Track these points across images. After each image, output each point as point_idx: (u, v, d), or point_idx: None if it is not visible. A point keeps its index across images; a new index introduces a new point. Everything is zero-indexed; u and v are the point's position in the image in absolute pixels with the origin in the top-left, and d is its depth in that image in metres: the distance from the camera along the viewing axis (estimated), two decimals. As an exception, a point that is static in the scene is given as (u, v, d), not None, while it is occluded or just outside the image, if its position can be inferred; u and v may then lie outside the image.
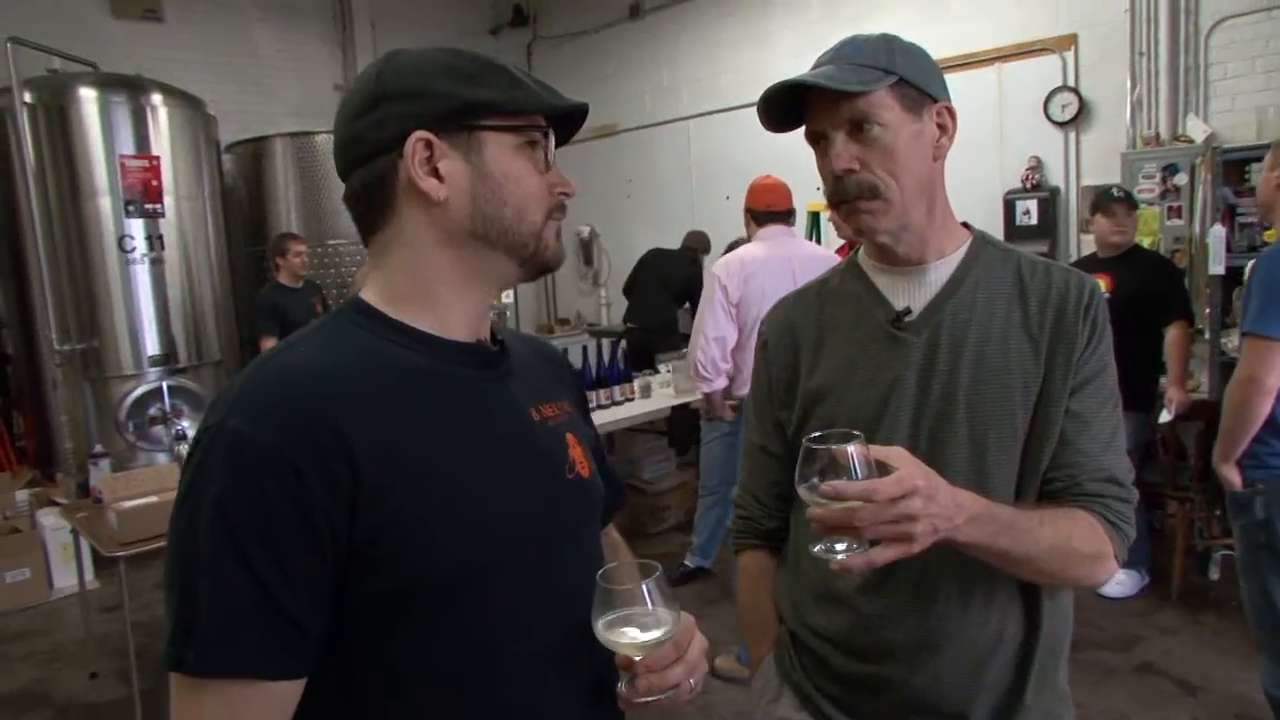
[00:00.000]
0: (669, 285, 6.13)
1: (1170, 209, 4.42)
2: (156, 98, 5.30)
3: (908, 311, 1.15)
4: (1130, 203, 3.66)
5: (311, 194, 5.99)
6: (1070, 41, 4.98)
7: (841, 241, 4.31)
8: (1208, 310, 4.03)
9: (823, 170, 1.14)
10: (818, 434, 0.94)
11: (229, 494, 0.75)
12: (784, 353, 1.26)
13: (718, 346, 3.23)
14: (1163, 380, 3.71)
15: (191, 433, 4.34)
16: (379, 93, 0.87)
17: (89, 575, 4.23)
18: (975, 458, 1.10)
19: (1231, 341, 4.11)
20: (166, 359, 5.25)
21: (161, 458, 4.98)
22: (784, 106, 1.13)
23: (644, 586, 0.85)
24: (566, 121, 0.93)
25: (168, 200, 5.24)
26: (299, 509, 0.75)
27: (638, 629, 0.85)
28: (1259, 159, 4.14)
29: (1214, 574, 3.98)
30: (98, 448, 3.84)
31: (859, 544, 0.93)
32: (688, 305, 6.22)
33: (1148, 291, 3.55)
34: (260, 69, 6.90)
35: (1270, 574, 2.26)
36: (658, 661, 0.86)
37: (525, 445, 0.92)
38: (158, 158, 5.21)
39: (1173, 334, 3.63)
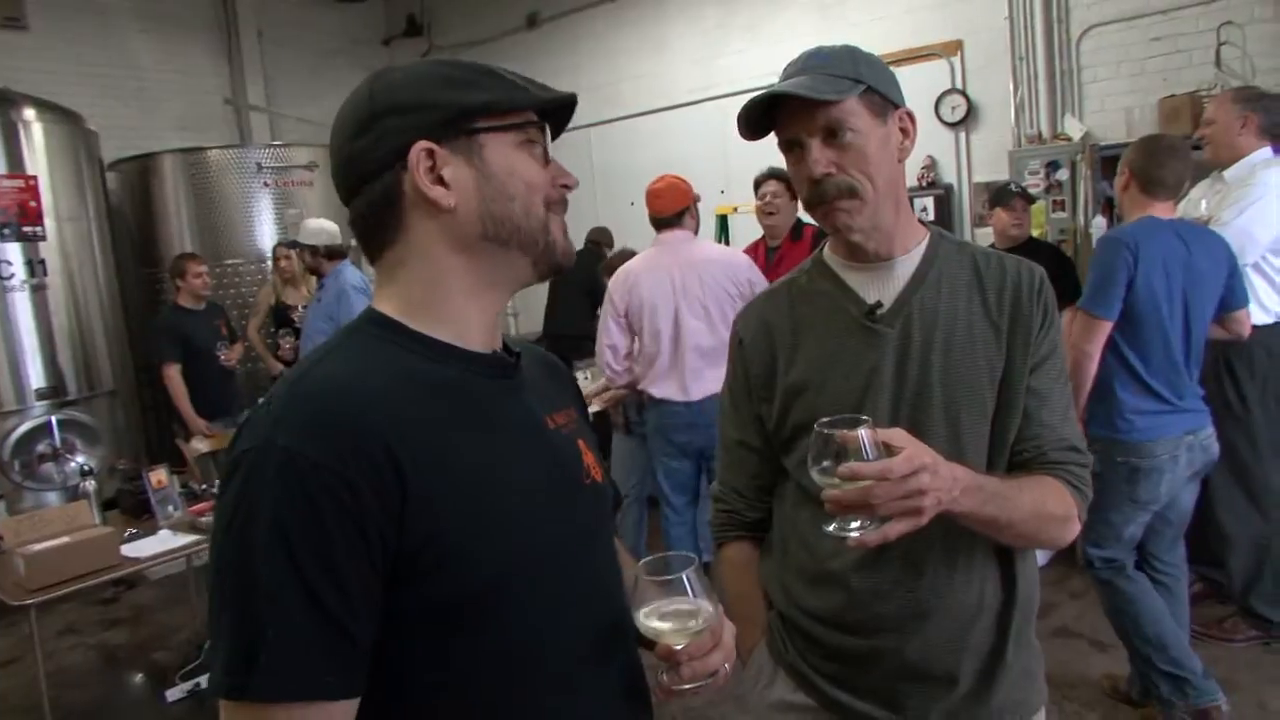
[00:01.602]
0: (579, 287, 6.14)
1: (1055, 202, 4.74)
2: (29, 112, 4.96)
3: (879, 305, 1.23)
4: (1027, 197, 3.90)
5: (206, 212, 5.73)
6: (957, 47, 5.27)
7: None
8: (1093, 295, 4.34)
9: (797, 175, 1.20)
10: (828, 420, 0.99)
11: (284, 514, 0.74)
12: (760, 350, 1.32)
13: (610, 352, 3.54)
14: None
15: (91, 467, 4.10)
16: (374, 110, 0.87)
17: (-20, 629, 3.92)
18: (952, 437, 1.18)
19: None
20: (55, 391, 4.92)
21: (52, 497, 4.67)
22: (754, 116, 1.18)
23: (684, 576, 0.87)
24: (557, 115, 0.95)
25: (48, 222, 4.92)
26: (355, 524, 0.75)
27: (681, 619, 0.87)
28: (1131, 154, 4.52)
29: (1113, 540, 4.28)
30: (-10, 489, 3.56)
31: (871, 521, 0.99)
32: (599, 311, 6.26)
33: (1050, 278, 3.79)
34: (142, 82, 6.54)
35: (1093, 510, 2.60)
36: (699, 649, 0.89)
37: (546, 454, 0.93)
38: (34, 177, 4.88)
39: (1067, 317, 3.88)
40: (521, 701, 0.87)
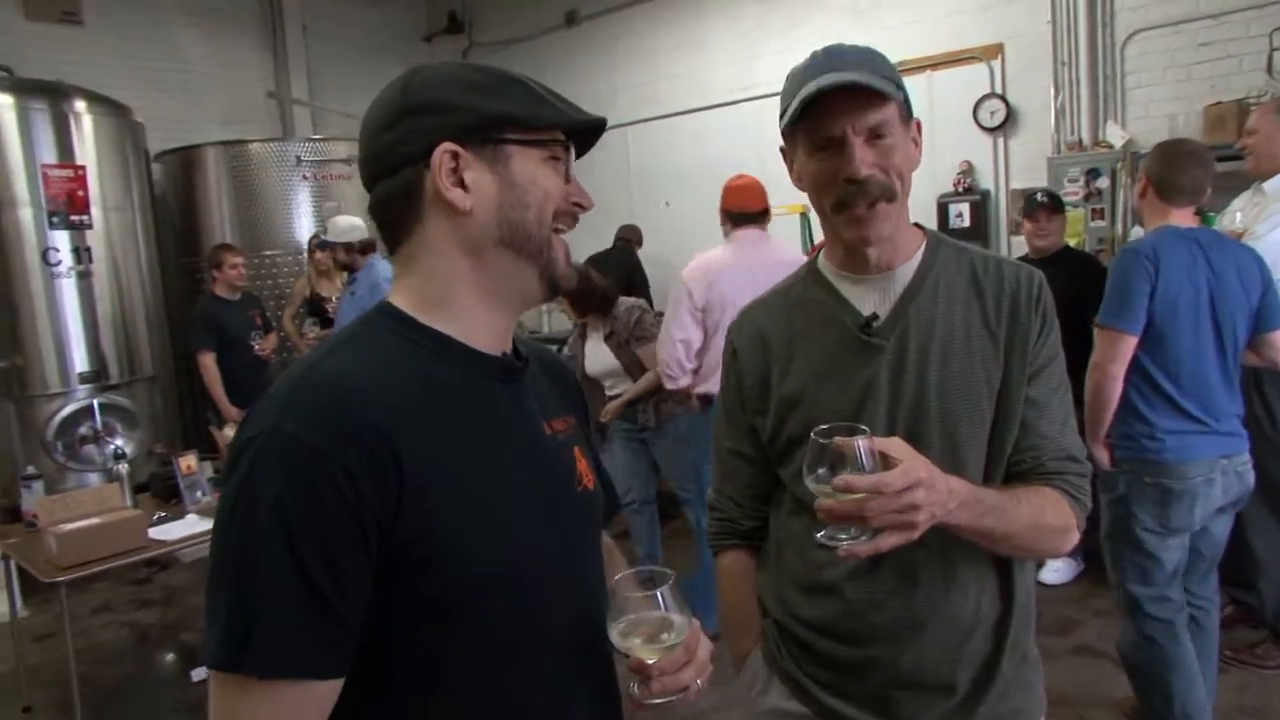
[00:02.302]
0: (615, 283, 6.15)
1: (1094, 211, 4.64)
2: (80, 104, 5.10)
3: (875, 317, 1.21)
4: (1052, 207, 3.78)
5: (246, 204, 5.85)
6: (997, 51, 5.19)
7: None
8: (1130, 307, 4.24)
9: (829, 173, 1.15)
10: (824, 428, 0.98)
11: (285, 498, 0.76)
12: (755, 361, 1.31)
13: (683, 348, 3.32)
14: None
15: (125, 450, 4.21)
16: (405, 106, 0.89)
17: (18, 603, 4.05)
18: (949, 450, 1.17)
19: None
20: (97, 375, 5.06)
21: (93, 478, 4.80)
22: (809, 104, 1.12)
23: (659, 593, 0.88)
24: (585, 134, 0.96)
25: (95, 211, 5.05)
26: (352, 512, 0.78)
27: (653, 634, 0.88)
28: (1174, 163, 4.40)
29: (1142, 557, 4.18)
30: (30, 469, 3.68)
31: (863, 532, 0.99)
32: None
33: (1077, 290, 3.69)
34: (188, 76, 6.70)
35: (1121, 542, 2.47)
36: (671, 664, 0.90)
37: (540, 458, 0.95)
38: (83, 167, 5.02)
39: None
40: (503, 699, 0.89)
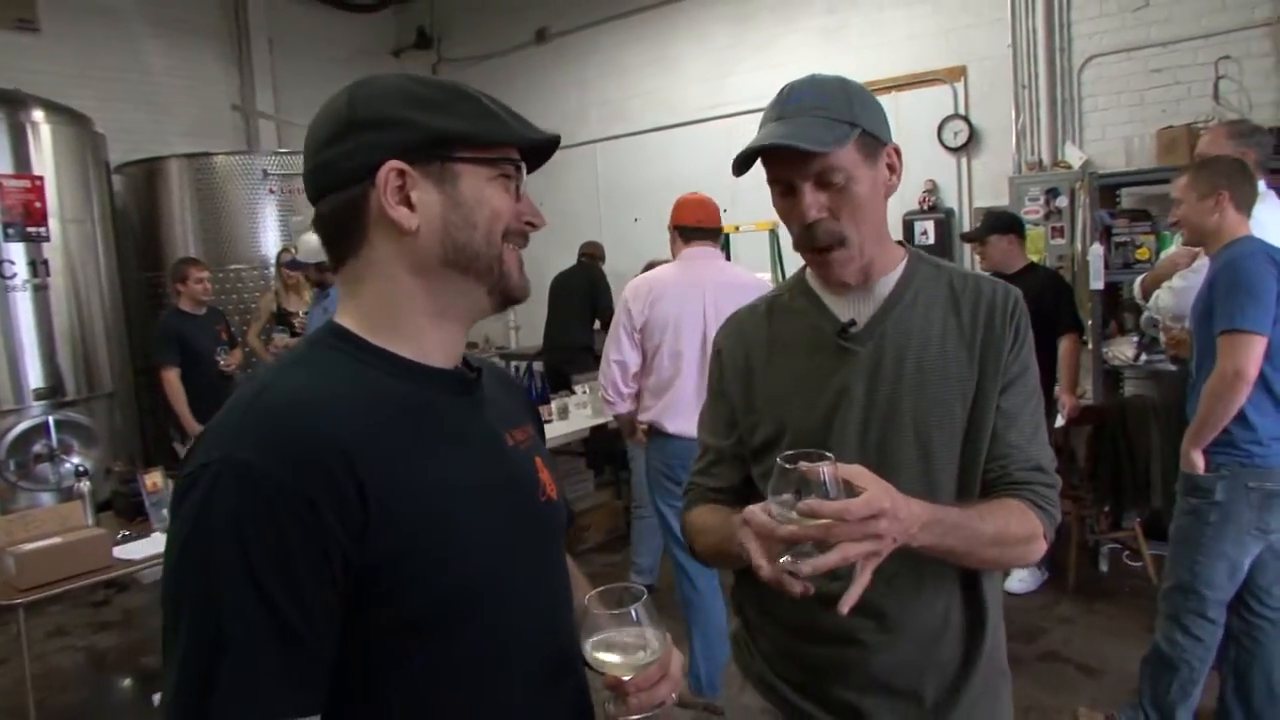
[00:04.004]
0: (577, 303, 6.16)
1: (1054, 229, 4.76)
2: (38, 113, 5.02)
3: (853, 324, 1.24)
4: (986, 231, 3.99)
5: (211, 218, 5.76)
6: (960, 73, 5.32)
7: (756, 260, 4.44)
8: (1090, 322, 4.35)
9: (787, 214, 1.21)
10: (790, 453, 0.99)
11: (245, 530, 0.73)
12: (737, 361, 1.34)
13: (618, 369, 3.14)
14: (1055, 389, 3.98)
15: (86, 468, 4.10)
16: (350, 120, 0.86)
17: (-31, 628, 3.91)
18: (921, 456, 1.20)
19: (1112, 350, 4.45)
20: (53, 391, 4.94)
21: (47, 498, 4.67)
22: (750, 158, 1.18)
23: (634, 610, 0.89)
24: (537, 150, 0.94)
25: (52, 223, 4.96)
26: (315, 542, 0.74)
27: (628, 651, 0.89)
28: (1130, 184, 4.54)
29: (1104, 566, 4.28)
30: (-16, 488, 3.57)
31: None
32: (598, 325, 6.28)
33: (1041, 306, 3.78)
34: (152, 87, 6.59)
35: (1209, 546, 2.52)
36: (646, 680, 0.90)
37: (504, 471, 0.93)
38: (41, 178, 4.93)
39: (1065, 345, 3.90)
40: (480, 715, 0.87)
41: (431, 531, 0.82)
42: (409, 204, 0.85)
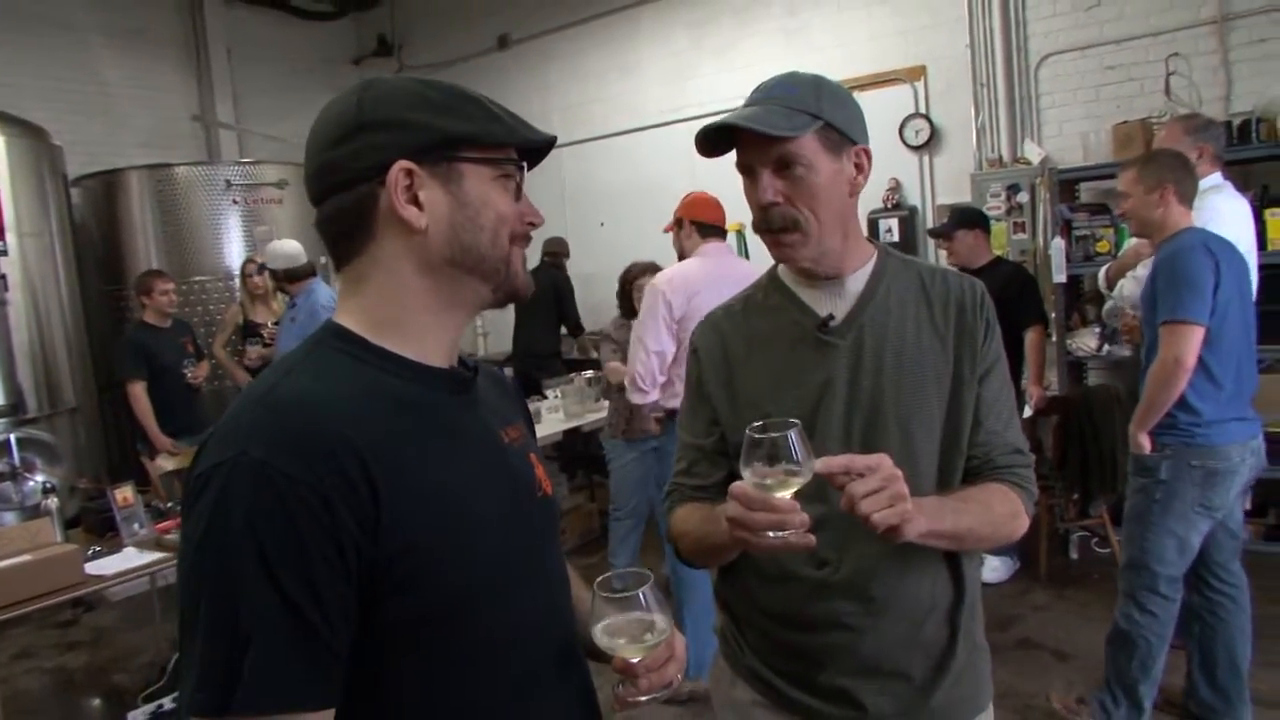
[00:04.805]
0: (543, 309, 6.14)
1: (1016, 224, 4.86)
2: (-9, 126, 4.90)
3: (831, 318, 1.28)
4: (952, 227, 4.10)
5: (173, 229, 5.65)
6: (920, 73, 5.41)
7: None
8: (1053, 315, 4.44)
9: (751, 199, 1.25)
10: (759, 424, 1.02)
11: (262, 528, 0.74)
12: (715, 360, 1.36)
13: (657, 360, 3.19)
14: (1023, 380, 4.06)
15: (54, 484, 4.01)
16: (360, 121, 0.88)
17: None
18: (904, 444, 1.23)
19: (1076, 342, 4.55)
20: (14, 409, 4.83)
21: (9, 517, 4.55)
22: (713, 138, 1.23)
23: (641, 593, 0.91)
24: (534, 152, 0.97)
25: (9, 238, 4.85)
26: (331, 539, 0.76)
27: (637, 634, 0.91)
28: (1088, 179, 4.65)
29: (1073, 553, 4.37)
30: (-54, 508, 3.48)
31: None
32: (564, 330, 6.28)
33: (1006, 299, 3.85)
34: (109, 98, 6.46)
35: (1156, 522, 2.61)
36: (655, 661, 0.93)
37: (503, 468, 0.95)
38: (-5, 191, 4.81)
39: (1031, 337, 3.99)
40: (488, 707, 0.89)
41: (440, 527, 0.84)
42: (417, 203, 0.87)
